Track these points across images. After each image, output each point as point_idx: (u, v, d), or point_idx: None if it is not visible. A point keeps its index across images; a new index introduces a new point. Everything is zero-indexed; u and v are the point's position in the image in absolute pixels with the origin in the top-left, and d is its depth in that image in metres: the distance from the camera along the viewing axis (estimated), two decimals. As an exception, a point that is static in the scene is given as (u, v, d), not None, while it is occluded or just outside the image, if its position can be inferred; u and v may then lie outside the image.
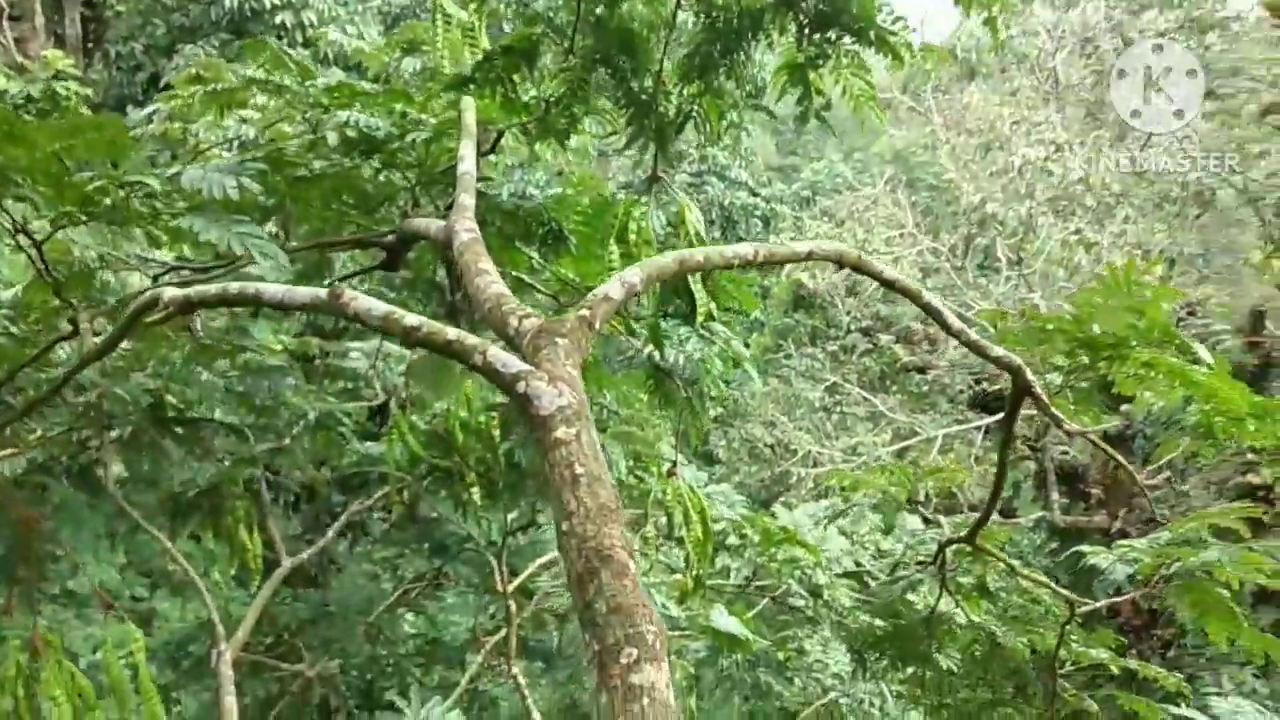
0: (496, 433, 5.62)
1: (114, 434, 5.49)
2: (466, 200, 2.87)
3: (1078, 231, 15.53)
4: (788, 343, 18.37)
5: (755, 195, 22.51)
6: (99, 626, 11.52)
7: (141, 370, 5.07)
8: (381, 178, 4.10)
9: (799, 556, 5.15)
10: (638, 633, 1.54)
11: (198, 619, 12.12)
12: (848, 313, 18.50)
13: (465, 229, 2.65)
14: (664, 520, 5.27)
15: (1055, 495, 18.21)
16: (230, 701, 4.39)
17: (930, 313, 3.02)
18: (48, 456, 5.93)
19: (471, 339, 2.14)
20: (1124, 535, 14.58)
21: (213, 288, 2.51)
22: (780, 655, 5.56)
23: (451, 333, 2.15)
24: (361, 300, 2.26)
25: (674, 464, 5.20)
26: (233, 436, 5.50)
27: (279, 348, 6.08)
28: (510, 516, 5.82)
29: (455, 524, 7.91)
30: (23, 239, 3.25)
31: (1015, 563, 4.19)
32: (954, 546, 4.32)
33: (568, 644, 8.03)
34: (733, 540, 5.33)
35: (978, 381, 21.23)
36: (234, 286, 2.50)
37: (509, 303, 2.26)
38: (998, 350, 2.99)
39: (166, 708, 7.22)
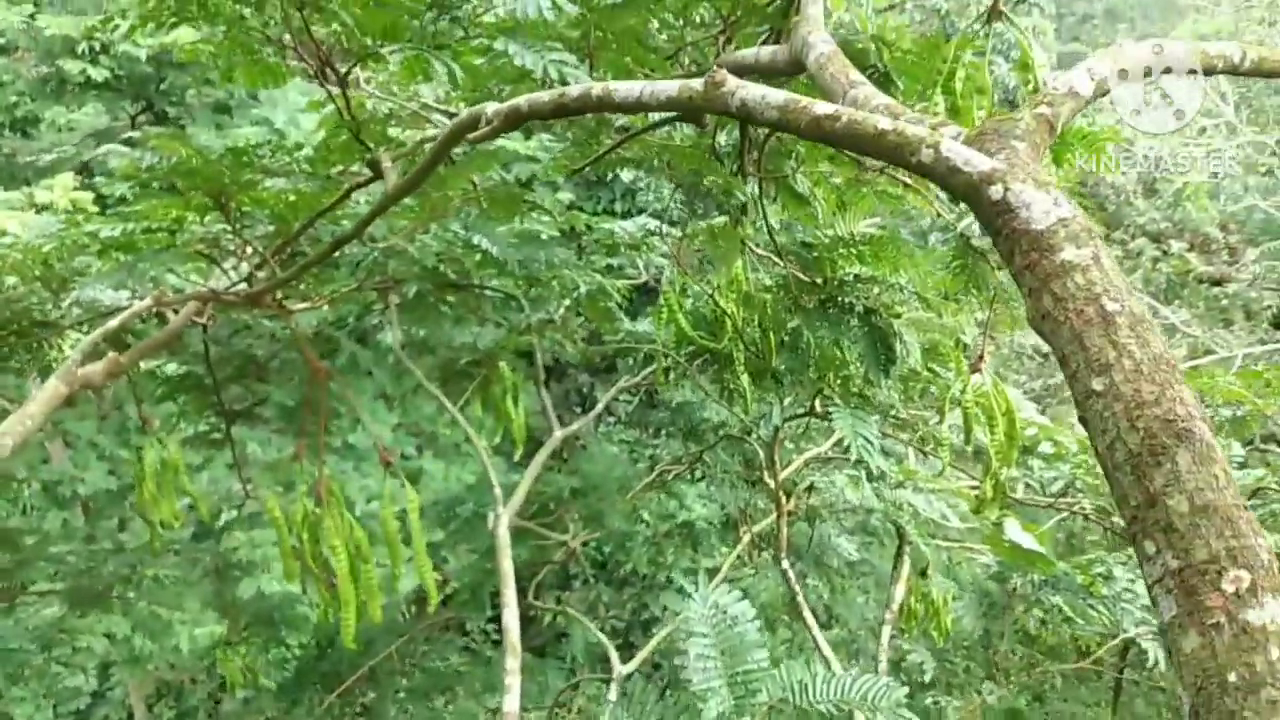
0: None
1: (396, 299, 5.56)
2: (814, 10, 2.37)
3: None
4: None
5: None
6: (374, 480, 12.44)
7: (426, 233, 5.03)
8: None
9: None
10: (1247, 548, 1.06)
11: (460, 481, 12.82)
12: (1140, 214, 16.54)
13: (821, 40, 2.16)
14: (959, 422, 4.72)
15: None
16: (508, 565, 4.36)
17: None
18: (336, 317, 6.14)
19: (914, 128, 1.63)
20: None
21: (546, 94, 2.16)
22: (1082, 580, 4.93)
23: (883, 120, 1.65)
24: (750, 88, 1.81)
25: (980, 357, 4.61)
26: (509, 306, 5.42)
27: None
28: (785, 403, 5.45)
29: (710, 410, 7.69)
30: (327, 73, 3.09)
31: None
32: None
33: (816, 545, 7.70)
34: (1045, 449, 4.70)
35: (1284, 299, 18.76)
36: (574, 90, 2.12)
37: (911, 113, 1.76)
38: None
39: (434, 564, 7.59)
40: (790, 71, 2.38)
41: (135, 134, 4.28)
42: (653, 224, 6.89)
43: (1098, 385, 1.24)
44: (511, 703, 4.37)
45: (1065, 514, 4.94)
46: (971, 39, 3.63)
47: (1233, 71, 2.14)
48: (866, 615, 9.96)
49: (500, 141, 4.08)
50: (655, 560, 7.73)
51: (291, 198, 3.64)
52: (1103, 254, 1.36)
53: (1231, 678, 1.00)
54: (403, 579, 4.57)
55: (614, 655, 5.49)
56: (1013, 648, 6.91)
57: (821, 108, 1.73)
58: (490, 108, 2.16)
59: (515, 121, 2.20)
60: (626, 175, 14.98)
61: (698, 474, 7.90)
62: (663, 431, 8.34)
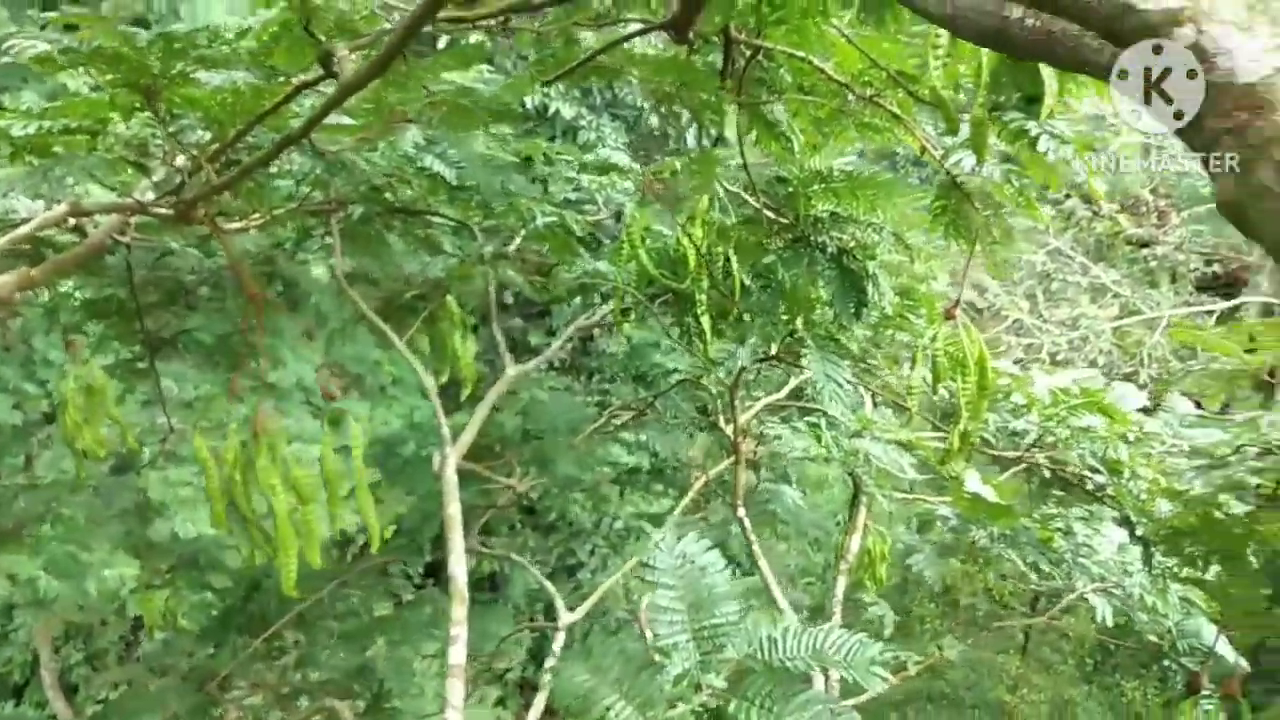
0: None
1: (339, 223, 5.18)
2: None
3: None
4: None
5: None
6: (296, 420, 11.97)
7: (374, 150, 4.65)
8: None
9: (1094, 425, 4.36)
10: None
11: (386, 425, 12.42)
12: (1077, 174, 16.68)
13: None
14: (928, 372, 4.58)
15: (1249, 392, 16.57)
16: (455, 509, 4.10)
17: None
18: (274, 242, 5.71)
19: None
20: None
21: None
22: (1041, 535, 4.87)
23: None
24: None
25: (955, 302, 4.46)
26: (461, 235, 5.09)
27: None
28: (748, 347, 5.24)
29: (661, 355, 7.48)
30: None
31: None
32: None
33: (762, 493, 7.60)
34: (1017, 399, 4.59)
35: (1208, 263, 19.27)
36: None
37: None
38: None
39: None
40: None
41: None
42: (616, 156, 6.57)
43: None
44: (457, 654, 4.14)
45: (1023, 466, 4.86)
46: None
47: None
48: (787, 563, 9.99)
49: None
50: (598, 507, 7.54)
51: (229, 97, 3.25)
52: None
53: None
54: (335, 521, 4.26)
55: (559, 603, 5.30)
56: (971, 599, 6.93)
57: None
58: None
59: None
60: (568, 111, 14.54)
61: (645, 420, 7.70)
62: (602, 377, 8.10)
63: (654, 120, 14.10)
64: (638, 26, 3.65)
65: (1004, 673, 10.36)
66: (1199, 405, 6.35)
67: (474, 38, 4.30)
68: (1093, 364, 13.26)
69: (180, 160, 3.56)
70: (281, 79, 3.40)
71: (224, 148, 3.41)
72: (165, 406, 6.73)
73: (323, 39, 2.96)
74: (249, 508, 4.01)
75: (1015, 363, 13.99)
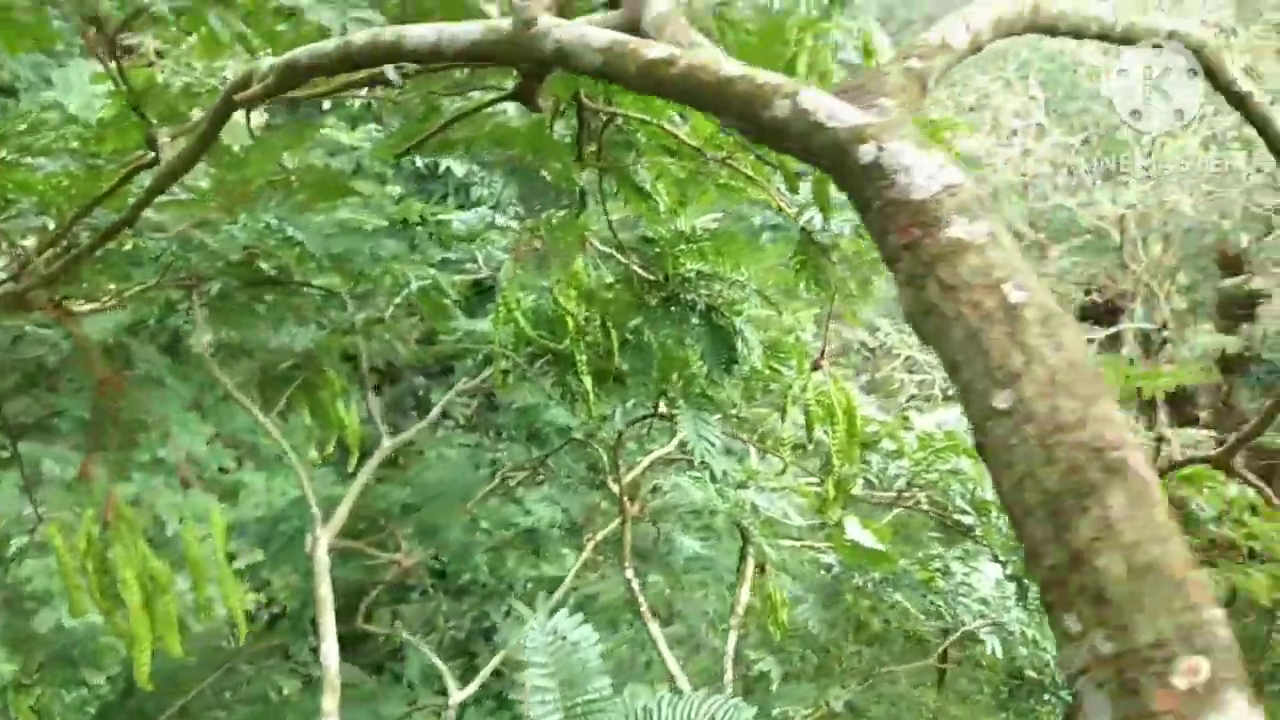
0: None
1: (204, 296, 5.05)
2: (655, -29, 2.13)
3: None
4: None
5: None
6: (190, 496, 11.52)
7: (234, 223, 4.56)
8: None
9: (962, 468, 4.49)
10: (1201, 624, 0.80)
11: (285, 495, 12.05)
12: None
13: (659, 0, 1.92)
14: (801, 420, 4.66)
15: (1163, 417, 17.39)
16: (326, 590, 3.96)
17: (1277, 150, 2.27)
18: (134, 320, 5.54)
19: (768, 75, 1.36)
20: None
21: (330, 43, 1.80)
22: (921, 575, 4.97)
23: (731, 66, 1.38)
24: (569, 28, 1.52)
25: (822, 354, 4.56)
26: (332, 303, 5.01)
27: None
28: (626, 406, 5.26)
29: (554, 413, 7.44)
30: (95, 37, 2.67)
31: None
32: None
33: (661, 544, 7.60)
34: (886, 445, 4.70)
35: (1086, 292, 20.19)
36: (361, 37, 1.77)
37: (765, 76, 1.52)
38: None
39: (257, 588, 7.03)
40: (629, 30, 2.15)
41: None
42: (493, 215, 6.58)
43: (1001, 403, 0.95)
44: (333, 748, 4.00)
45: (901, 509, 4.97)
46: (815, 22, 3.54)
47: (1104, 38, 2.06)
48: (705, 609, 9.98)
49: (325, 130, 3.70)
50: (496, 570, 7.41)
51: (64, 181, 3.16)
52: (1001, 231, 1.11)
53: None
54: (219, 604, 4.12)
55: (450, 681, 5.17)
56: (854, 645, 7.00)
57: (656, 50, 1.46)
58: (265, 63, 1.84)
59: (292, 77, 1.86)
60: (459, 169, 14.54)
61: (540, 479, 7.64)
62: (504, 435, 8.01)
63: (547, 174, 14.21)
64: (489, 96, 3.67)
65: (923, 706, 10.50)
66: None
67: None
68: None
69: (14, 247, 3.45)
70: (117, 152, 3.33)
71: (60, 235, 3.31)
72: (33, 493, 6.42)
73: (154, 121, 2.91)
74: (105, 598, 3.84)
75: (908, 399, 14.38)
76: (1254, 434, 3.35)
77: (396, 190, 10.42)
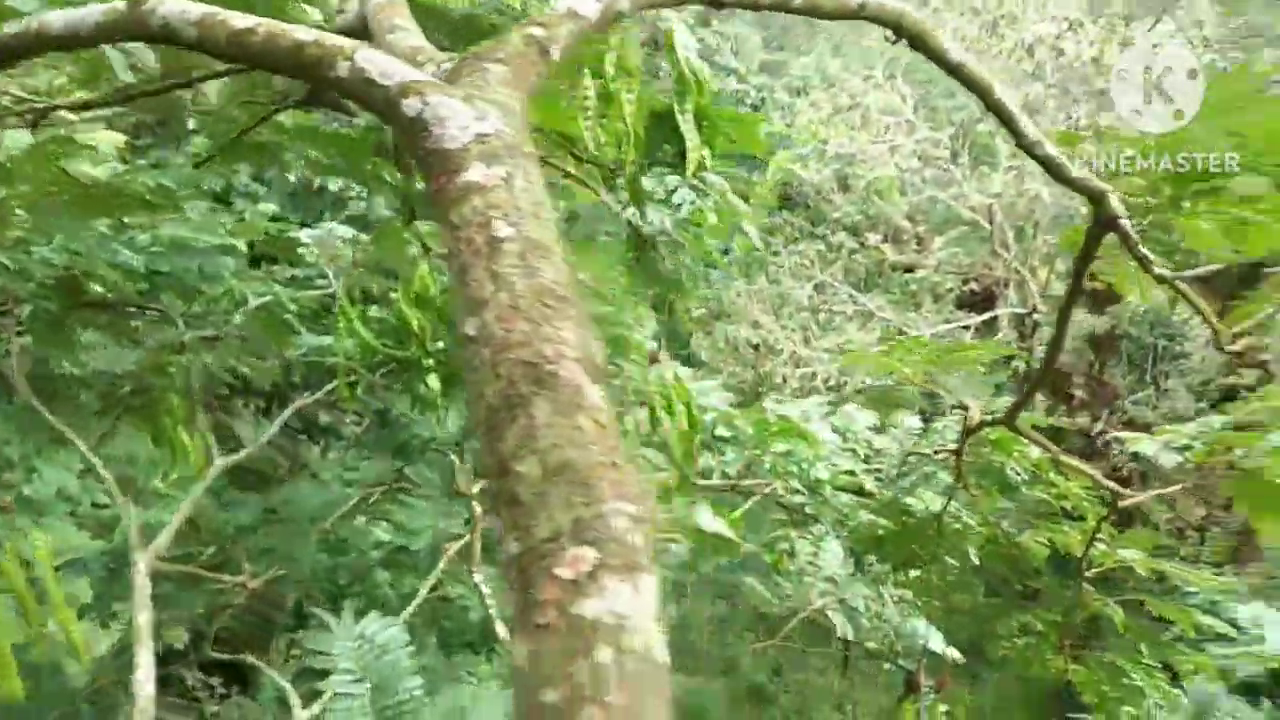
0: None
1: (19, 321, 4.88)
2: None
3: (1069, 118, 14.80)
4: (776, 240, 17.70)
5: (744, 82, 21.52)
6: (58, 534, 11.02)
7: (47, 245, 4.43)
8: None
9: (797, 451, 4.63)
10: (599, 516, 0.82)
11: (162, 524, 11.64)
12: (836, 210, 17.82)
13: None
14: (644, 414, 4.75)
15: (1039, 396, 18.09)
16: (145, 619, 3.84)
17: (1001, 115, 2.40)
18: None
19: (337, 39, 1.45)
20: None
21: None
22: (769, 558, 5.10)
23: (303, 32, 1.47)
24: (171, 5, 1.55)
25: (657, 349, 4.66)
26: (167, 324, 4.90)
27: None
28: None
29: (419, 423, 7.36)
30: None
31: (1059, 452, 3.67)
32: (972, 436, 3.79)
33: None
34: (722, 432, 4.81)
35: (965, 282, 20.86)
36: (11, 27, 1.75)
37: (429, 52, 1.59)
38: (1077, 172, 2.39)
39: (103, 622, 6.77)
40: (366, 36, 2.18)
41: None
42: (343, 229, 6.50)
43: (471, 329, 1.00)
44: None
45: (739, 495, 5.08)
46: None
47: (781, 8, 2.15)
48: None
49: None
50: (368, 591, 7.27)
51: None
52: (523, 174, 1.17)
53: (550, 697, 0.73)
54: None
55: (295, 701, 5.07)
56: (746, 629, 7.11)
57: (241, 20, 1.52)
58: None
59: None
60: (335, 185, 14.32)
61: (409, 493, 7.55)
62: (373, 452, 7.89)
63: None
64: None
65: (829, 692, 10.75)
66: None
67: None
68: (858, 391, 13.97)
69: None
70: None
71: None
72: None
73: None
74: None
75: (792, 393, 14.64)
76: (1030, 393, 3.57)
77: (271, 208, 10.20)
